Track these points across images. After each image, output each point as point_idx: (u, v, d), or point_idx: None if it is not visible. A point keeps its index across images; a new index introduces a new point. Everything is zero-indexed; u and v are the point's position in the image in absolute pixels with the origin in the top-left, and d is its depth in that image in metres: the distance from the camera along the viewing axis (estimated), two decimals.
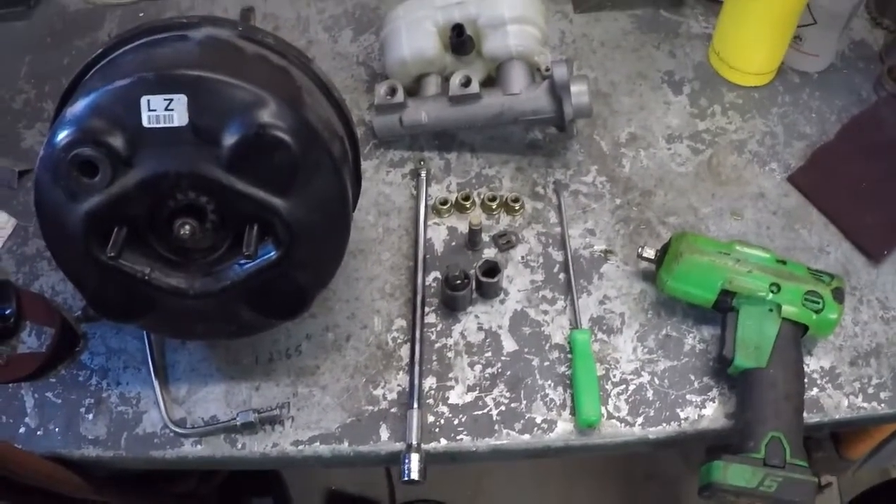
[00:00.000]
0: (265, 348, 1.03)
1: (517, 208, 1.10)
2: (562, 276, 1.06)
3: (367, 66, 1.25)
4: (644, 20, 1.32)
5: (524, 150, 1.16)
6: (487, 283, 1.02)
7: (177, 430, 0.98)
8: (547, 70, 1.11)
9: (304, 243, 0.86)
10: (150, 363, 1.01)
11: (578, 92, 1.07)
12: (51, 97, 1.25)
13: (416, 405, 0.97)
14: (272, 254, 0.85)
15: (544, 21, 1.14)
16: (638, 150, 1.17)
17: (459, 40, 1.10)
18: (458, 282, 1.01)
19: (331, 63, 1.26)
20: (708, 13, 1.31)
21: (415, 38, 1.12)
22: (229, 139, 0.79)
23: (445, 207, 1.10)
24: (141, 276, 0.85)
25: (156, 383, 1.00)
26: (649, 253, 1.02)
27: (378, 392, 1.00)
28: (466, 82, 1.09)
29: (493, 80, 1.13)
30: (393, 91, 1.12)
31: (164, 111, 0.79)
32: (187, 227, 0.82)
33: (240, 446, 0.97)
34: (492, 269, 1.03)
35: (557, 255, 1.07)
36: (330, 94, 0.92)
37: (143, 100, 0.78)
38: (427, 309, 1.05)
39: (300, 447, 0.97)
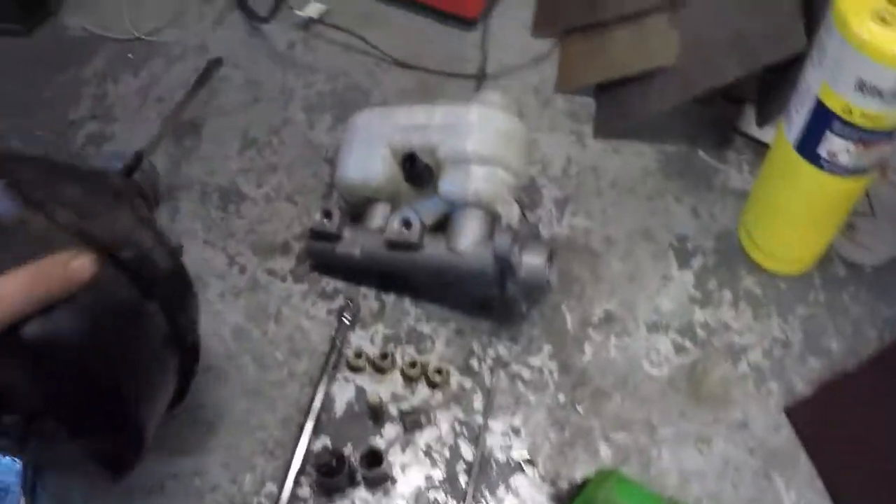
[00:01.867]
0: (126, 480, 0.89)
1: (439, 382, 0.93)
2: (464, 479, 0.88)
3: (335, 166, 1.08)
4: (674, 160, 1.10)
5: (472, 307, 0.98)
6: (367, 474, 0.86)
7: None
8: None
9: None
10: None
11: (532, 268, 0.88)
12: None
13: None
14: None
15: (523, 161, 0.95)
16: (609, 335, 0.97)
17: (412, 171, 0.93)
18: (328, 468, 0.86)
19: (298, 152, 1.12)
20: (756, 162, 1.08)
21: (365, 158, 0.96)
22: None
23: (360, 361, 0.94)
24: None
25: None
26: (560, 487, 0.84)
27: None
28: (407, 225, 0.92)
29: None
30: (328, 215, 0.95)
31: None
32: None
33: None
34: (375, 459, 0.87)
35: (467, 452, 0.90)
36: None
37: None
38: (306, 479, 0.90)
39: None
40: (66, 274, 0.67)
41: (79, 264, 0.67)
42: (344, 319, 0.97)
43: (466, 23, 1.17)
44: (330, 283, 1.01)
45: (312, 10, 1.23)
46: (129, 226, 0.74)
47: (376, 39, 1.17)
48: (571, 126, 1.10)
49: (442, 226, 0.95)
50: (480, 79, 1.13)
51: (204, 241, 1.05)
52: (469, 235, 0.92)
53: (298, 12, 1.22)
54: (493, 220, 0.93)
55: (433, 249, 0.93)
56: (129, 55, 1.23)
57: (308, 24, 1.24)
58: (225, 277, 1.02)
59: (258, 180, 1.09)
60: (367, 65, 1.20)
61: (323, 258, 0.99)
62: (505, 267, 0.88)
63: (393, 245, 0.93)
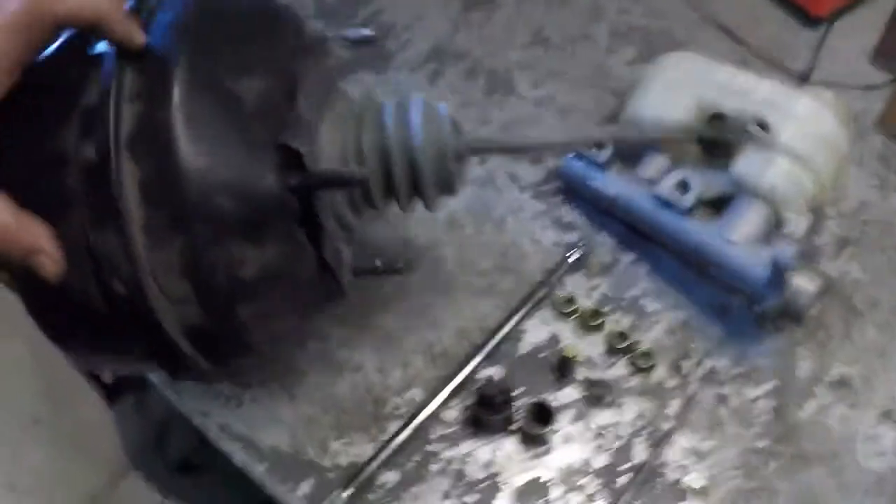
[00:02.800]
0: None
1: (642, 367, 0.82)
2: (623, 481, 0.78)
3: (620, 99, 0.98)
4: None
5: (706, 308, 0.87)
6: (528, 428, 0.77)
7: None
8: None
9: None
10: None
11: (800, 292, 0.76)
12: None
13: (349, 490, 0.76)
14: None
15: (832, 178, 0.83)
16: (837, 401, 0.83)
17: (712, 136, 0.82)
18: (490, 402, 0.77)
19: (587, 71, 1.01)
20: None
21: (666, 102, 0.85)
22: None
23: (569, 310, 0.84)
24: None
25: None
26: None
27: (335, 445, 0.80)
28: (683, 188, 0.81)
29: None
30: (599, 145, 0.85)
31: None
32: None
33: (178, 388, 0.84)
34: (543, 417, 0.77)
35: (640, 453, 0.79)
36: None
37: None
38: (454, 403, 0.82)
39: (222, 433, 0.82)
40: (28, 254, 0.56)
41: (43, 261, 0.57)
42: (570, 258, 0.87)
43: (809, 19, 1.05)
44: (569, 215, 0.92)
45: None
46: None
47: None
48: (879, 170, 0.96)
49: (716, 205, 0.84)
50: (802, 80, 1.00)
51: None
52: (746, 228, 0.80)
53: None
54: (776, 223, 0.81)
55: (700, 226, 0.82)
56: None
57: None
58: None
59: (535, 81, 1.00)
60: (689, 17, 1.08)
61: (575, 186, 0.89)
62: (776, 278, 0.76)
63: (660, 202, 0.82)
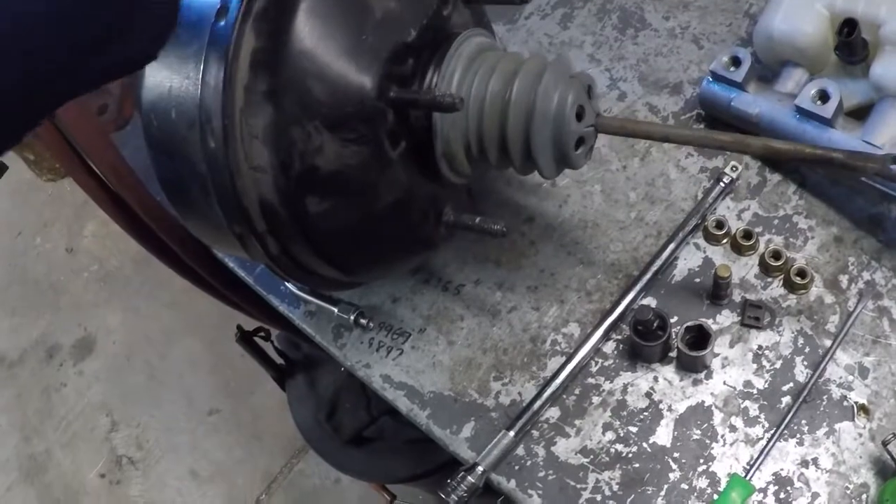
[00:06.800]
0: (430, 269, 0.93)
1: (798, 285, 0.85)
2: (784, 401, 0.82)
3: (753, 21, 1.01)
4: None
5: (860, 220, 0.89)
6: (687, 353, 0.81)
7: None
8: None
9: None
10: None
11: None
12: None
13: (514, 430, 0.82)
14: None
15: None
16: None
17: (846, 41, 0.85)
18: (646, 329, 0.81)
19: None
20: None
21: (797, 13, 0.88)
22: None
23: (720, 234, 0.88)
24: None
25: None
26: (890, 452, 0.75)
27: (495, 386, 0.87)
28: (822, 98, 0.84)
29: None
30: (736, 63, 0.89)
31: None
32: None
33: (340, 343, 0.92)
34: (700, 340, 0.81)
35: (801, 373, 0.83)
36: None
37: None
38: (612, 336, 0.87)
39: (385, 384, 0.89)
40: None
41: None
42: (721, 183, 0.90)
43: None
44: None
45: None
46: None
47: None
48: None
49: (859, 116, 0.86)
50: None
51: (589, 56, 1.02)
52: (890, 130, 0.83)
53: None
54: None
55: (844, 134, 0.85)
56: None
57: None
58: (601, 99, 0.98)
59: (666, 12, 1.05)
60: None
61: (715, 108, 0.94)
62: None
63: (801, 113, 0.86)
